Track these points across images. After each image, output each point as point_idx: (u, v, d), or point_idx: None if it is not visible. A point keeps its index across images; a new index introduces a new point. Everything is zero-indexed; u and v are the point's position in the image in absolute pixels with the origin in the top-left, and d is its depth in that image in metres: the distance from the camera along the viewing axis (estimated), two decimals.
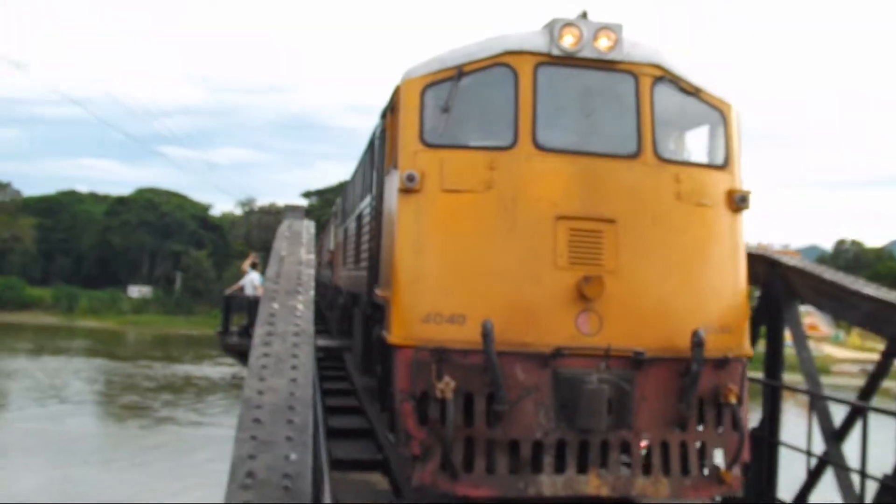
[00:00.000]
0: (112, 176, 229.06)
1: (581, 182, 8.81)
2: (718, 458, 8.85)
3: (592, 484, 8.25)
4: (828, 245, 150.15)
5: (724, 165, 9.39)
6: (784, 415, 12.09)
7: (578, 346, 8.38)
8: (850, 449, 10.47)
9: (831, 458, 10.62)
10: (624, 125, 9.14)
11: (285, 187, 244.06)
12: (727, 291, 9.11)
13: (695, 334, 8.38)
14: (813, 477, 10.90)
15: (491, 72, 9.08)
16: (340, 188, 31.98)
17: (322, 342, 18.61)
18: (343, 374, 19.17)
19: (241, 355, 24.48)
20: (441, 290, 8.53)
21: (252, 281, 26.69)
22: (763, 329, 12.09)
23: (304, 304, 7.00)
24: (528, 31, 9.24)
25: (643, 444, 8.71)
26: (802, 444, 10.81)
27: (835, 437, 10.71)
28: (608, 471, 8.34)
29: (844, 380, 65.12)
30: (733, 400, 8.60)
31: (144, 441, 40.54)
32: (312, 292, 7.70)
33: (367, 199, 14.15)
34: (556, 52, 8.94)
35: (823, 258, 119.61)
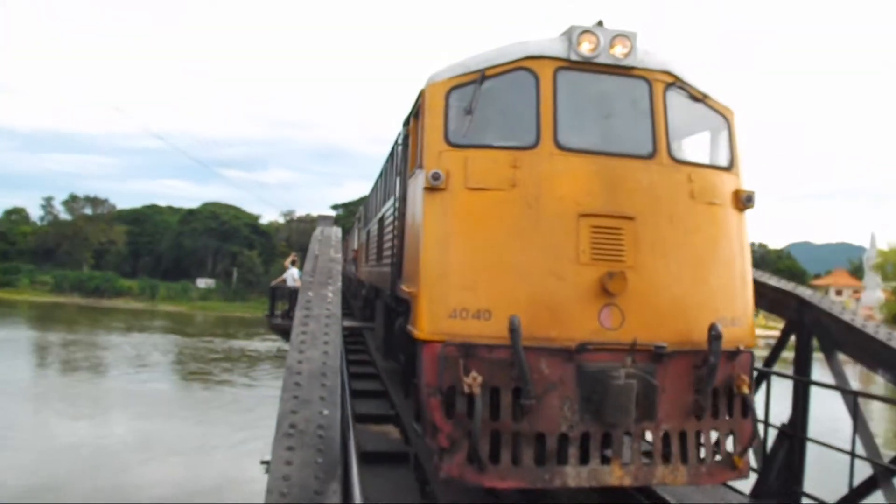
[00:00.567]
0: (184, 193, 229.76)
1: (601, 181, 7.57)
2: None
3: (616, 474, 7.12)
4: None
5: (730, 167, 8.26)
6: None
7: (602, 341, 7.12)
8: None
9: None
10: (640, 127, 7.97)
11: (318, 201, 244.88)
12: (736, 286, 7.93)
13: (712, 327, 7.21)
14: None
15: (512, 76, 7.89)
16: (362, 200, 31.56)
17: (347, 323, 18.48)
18: (363, 348, 19.12)
19: (284, 333, 24.46)
20: (467, 286, 7.20)
21: (292, 275, 26.62)
22: None
23: (333, 293, 7.00)
24: (546, 37, 8.08)
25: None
26: None
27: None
28: (631, 461, 7.16)
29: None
30: (746, 390, 7.48)
31: (207, 400, 40.43)
32: (340, 284, 7.68)
33: (390, 202, 12.13)
34: (574, 57, 7.79)
35: None
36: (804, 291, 10.10)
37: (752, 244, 8.92)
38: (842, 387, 9.07)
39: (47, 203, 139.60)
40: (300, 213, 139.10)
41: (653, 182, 7.67)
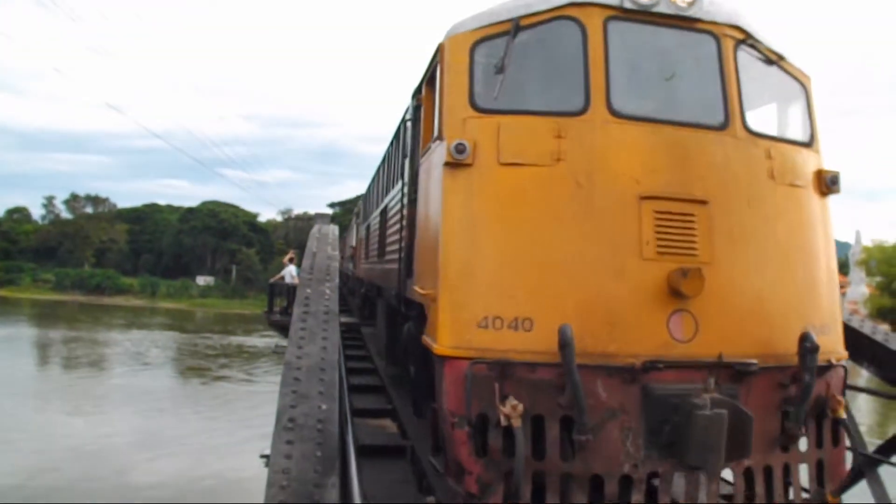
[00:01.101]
0: (184, 192, 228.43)
1: (666, 156, 6.02)
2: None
3: None
4: None
5: (810, 143, 6.71)
6: None
7: (673, 357, 5.60)
8: None
9: None
10: (708, 92, 6.42)
11: (315, 199, 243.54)
12: (824, 285, 6.36)
13: (805, 337, 5.75)
14: None
15: (553, 26, 6.29)
16: (358, 199, 31.36)
17: (344, 319, 18.51)
18: (361, 343, 19.09)
19: (283, 329, 24.43)
20: (501, 288, 5.68)
21: (290, 272, 26.60)
22: None
23: (330, 290, 7.01)
24: None
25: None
26: None
27: None
28: None
29: None
30: (842, 413, 6.05)
31: (205, 396, 40.36)
32: (337, 280, 7.70)
33: (395, 190, 10.49)
34: (628, 4, 6.24)
35: None
36: None
37: None
38: None
39: (49, 202, 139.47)
40: (298, 211, 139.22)
41: (727, 158, 6.19)
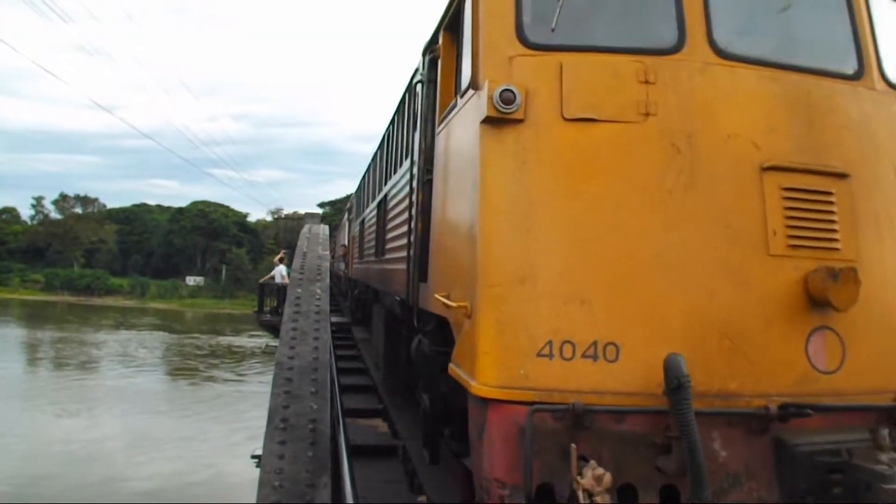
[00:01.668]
0: (174, 192, 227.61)
1: (790, 112, 4.36)
2: None
3: None
4: None
5: None
6: None
7: (816, 394, 4.02)
8: None
9: None
10: (834, 30, 4.80)
11: (306, 199, 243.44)
12: None
13: None
14: None
15: None
16: (349, 198, 31.06)
17: (335, 319, 18.52)
18: (352, 343, 19.08)
19: (273, 329, 24.40)
20: (572, 298, 4.09)
21: (280, 272, 26.62)
22: None
23: (321, 290, 6.98)
24: None
25: None
26: None
27: None
28: None
29: None
30: None
31: (193, 396, 40.14)
32: (328, 280, 7.66)
33: (400, 173, 8.97)
34: None
35: None
36: None
37: None
38: None
39: (38, 202, 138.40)
40: (288, 210, 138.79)
41: (866, 117, 4.60)
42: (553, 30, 4.40)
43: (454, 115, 5.49)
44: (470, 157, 4.69)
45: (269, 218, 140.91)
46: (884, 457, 3.67)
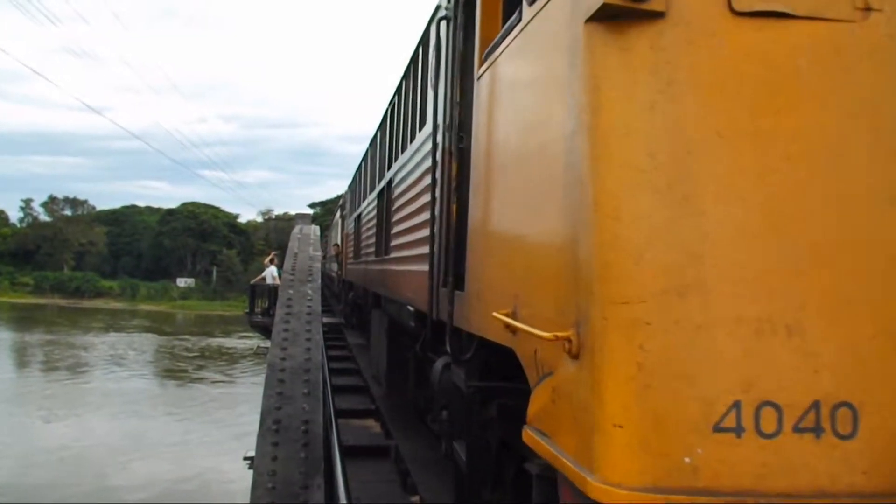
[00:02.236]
0: (163, 193, 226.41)
1: None
2: None
3: None
4: None
5: None
6: None
7: None
8: None
9: None
10: None
11: (296, 200, 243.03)
12: None
13: None
14: None
15: None
16: (339, 198, 30.68)
17: (326, 319, 18.50)
18: (343, 343, 19.07)
19: (264, 330, 24.38)
20: (768, 325, 2.42)
21: (271, 273, 26.58)
22: None
23: (313, 291, 6.97)
24: None
25: None
26: None
27: None
28: None
29: None
30: None
31: (183, 397, 40.05)
32: (319, 281, 7.66)
33: (412, 150, 7.51)
34: None
35: None
36: None
37: None
38: None
39: (26, 205, 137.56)
40: (278, 211, 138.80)
41: None
42: None
43: (514, 40, 3.85)
44: (560, 86, 2.99)
45: (259, 219, 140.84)
46: None
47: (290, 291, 6.79)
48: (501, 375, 4.40)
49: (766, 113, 2.59)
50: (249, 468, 4.21)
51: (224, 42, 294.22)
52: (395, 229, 9.07)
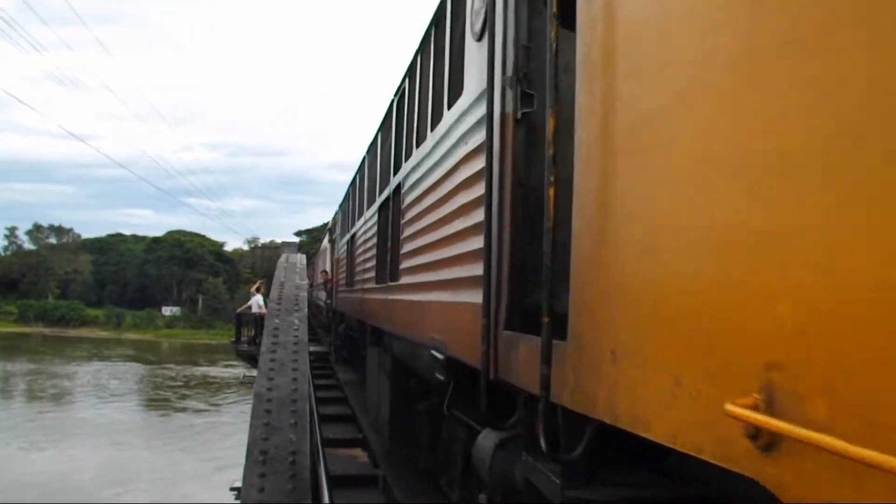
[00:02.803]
0: (149, 221, 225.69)
1: None
2: None
3: None
4: None
5: None
6: None
7: None
8: None
9: None
10: None
11: (282, 228, 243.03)
12: None
13: None
14: None
15: None
16: (325, 227, 30.40)
17: (313, 348, 18.42)
18: (330, 372, 18.97)
19: (250, 359, 24.25)
20: None
21: (257, 301, 26.51)
22: None
23: (299, 320, 6.94)
24: None
25: None
26: None
27: None
28: None
29: None
30: None
31: (167, 427, 39.68)
32: (306, 310, 7.63)
33: (443, 129, 5.78)
34: None
35: None
36: None
37: None
38: None
39: (11, 233, 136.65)
40: (264, 240, 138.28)
41: None
42: None
43: None
44: None
45: (245, 247, 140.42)
46: None
47: (277, 321, 6.77)
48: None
49: None
50: (237, 499, 4.18)
51: (209, 70, 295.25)
52: (409, 247, 7.07)
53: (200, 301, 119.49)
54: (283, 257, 11.05)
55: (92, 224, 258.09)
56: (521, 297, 3.90)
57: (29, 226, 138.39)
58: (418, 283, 6.51)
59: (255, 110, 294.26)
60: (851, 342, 1.50)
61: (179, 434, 37.27)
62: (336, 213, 21.43)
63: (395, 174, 8.58)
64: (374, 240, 10.04)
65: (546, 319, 3.05)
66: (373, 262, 10.18)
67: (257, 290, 27.68)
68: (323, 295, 24.24)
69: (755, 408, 1.72)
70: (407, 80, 8.31)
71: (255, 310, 26.34)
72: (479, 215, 4.36)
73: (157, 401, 49.06)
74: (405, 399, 7.68)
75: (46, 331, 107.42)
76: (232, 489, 5.81)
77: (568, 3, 3.15)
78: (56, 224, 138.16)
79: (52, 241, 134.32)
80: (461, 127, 5.15)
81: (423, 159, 6.70)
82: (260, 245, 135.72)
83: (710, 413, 1.90)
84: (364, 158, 12.86)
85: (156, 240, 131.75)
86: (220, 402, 48.68)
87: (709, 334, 2.00)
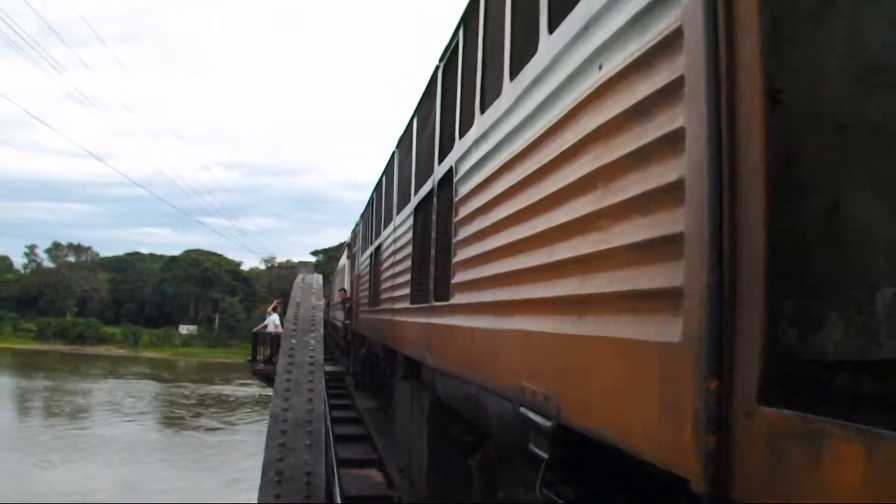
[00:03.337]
0: (166, 240, 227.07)
1: None
2: None
3: None
4: None
5: None
6: None
7: None
8: None
9: None
10: None
11: (298, 247, 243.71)
12: None
13: None
14: None
15: None
16: (342, 246, 30.27)
17: (329, 368, 18.43)
18: (345, 392, 18.97)
19: (266, 378, 24.30)
20: None
21: (273, 321, 26.59)
22: None
23: (315, 340, 7.00)
24: None
25: None
26: None
27: None
28: None
29: None
30: None
31: (185, 446, 39.66)
32: (322, 330, 7.69)
33: (542, 64, 3.83)
34: None
35: None
36: None
37: None
38: None
39: (30, 251, 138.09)
40: (281, 259, 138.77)
41: None
42: None
43: None
44: None
45: (262, 266, 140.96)
46: None
47: (293, 341, 6.82)
48: None
49: None
50: None
51: (226, 89, 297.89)
52: (468, 253, 5.27)
53: (217, 320, 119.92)
54: (299, 277, 11.13)
55: (110, 242, 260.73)
56: (795, 333, 1.98)
57: (48, 244, 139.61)
58: (488, 304, 4.66)
59: (271, 129, 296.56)
60: None
61: (193, 451, 37.29)
62: (356, 226, 19.35)
63: (441, 161, 6.76)
64: (409, 249, 8.25)
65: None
66: (406, 277, 8.27)
67: (273, 310, 27.80)
68: (341, 315, 22.78)
69: None
70: (462, 30, 6.45)
71: (271, 329, 26.42)
72: (668, 170, 2.45)
73: (172, 418, 49.15)
74: (448, 447, 6.19)
75: (64, 348, 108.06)
76: None
77: None
78: (75, 242, 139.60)
79: (71, 259, 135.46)
80: (597, 30, 3.11)
81: (499, 119, 4.70)
82: (276, 264, 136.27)
83: None
84: (393, 154, 10.94)
85: (173, 259, 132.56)
86: (235, 420, 48.71)
87: None
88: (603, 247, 2.95)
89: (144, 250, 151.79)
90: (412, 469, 8.15)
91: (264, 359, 26.28)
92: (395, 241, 9.63)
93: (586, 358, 3.05)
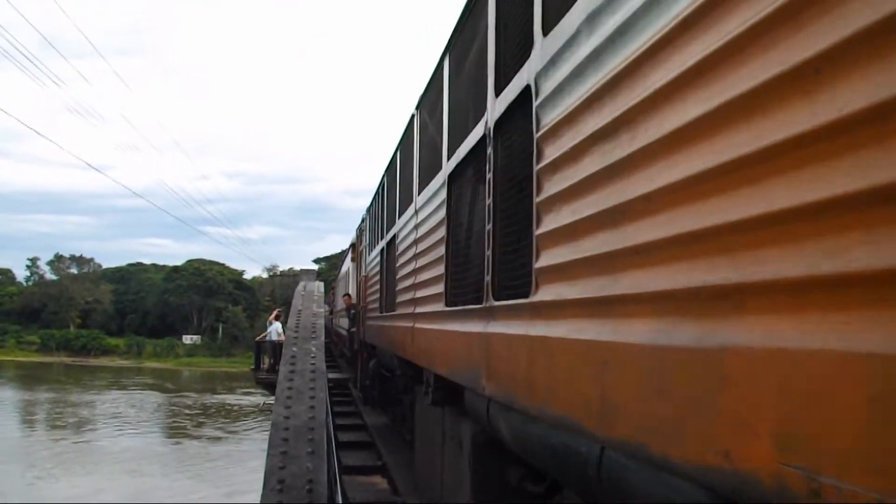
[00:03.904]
0: (168, 251, 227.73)
1: None
2: None
3: None
4: None
5: None
6: None
7: None
8: None
9: None
10: None
11: (300, 255, 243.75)
12: None
13: None
14: None
15: None
16: (343, 253, 30.16)
17: (332, 375, 18.40)
18: (349, 399, 18.94)
19: (269, 387, 24.29)
20: None
21: (276, 329, 26.60)
22: None
23: (316, 348, 6.96)
24: None
25: None
26: None
27: None
28: None
29: None
30: None
31: (190, 456, 39.64)
32: (323, 338, 7.66)
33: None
34: None
35: None
36: None
37: None
38: None
39: (33, 263, 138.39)
40: (283, 267, 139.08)
41: None
42: None
43: None
44: None
45: (264, 275, 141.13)
46: None
47: (294, 349, 6.79)
48: None
49: None
50: None
51: (225, 99, 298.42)
52: (609, 196, 2.62)
53: (220, 329, 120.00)
54: (300, 285, 11.11)
55: (112, 254, 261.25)
56: None
57: (50, 256, 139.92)
58: (645, 296, 2.33)
59: (272, 138, 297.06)
60: None
61: (196, 462, 37.25)
62: (362, 221, 17.14)
63: (505, 86, 4.20)
64: (440, 232, 6.27)
65: None
66: (437, 271, 6.38)
67: (276, 318, 27.82)
68: (345, 322, 20.25)
69: None
70: None
71: (273, 337, 26.45)
72: None
73: (175, 429, 49.12)
74: (500, 495, 4.84)
75: (68, 360, 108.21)
76: None
77: None
78: (77, 254, 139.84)
79: (73, 271, 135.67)
80: None
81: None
82: (279, 273, 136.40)
83: None
84: (412, 118, 8.68)
85: (175, 269, 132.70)
86: (238, 429, 48.69)
87: None
88: None
89: (147, 261, 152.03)
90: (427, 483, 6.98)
91: (268, 367, 26.30)
92: (416, 227, 7.68)
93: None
